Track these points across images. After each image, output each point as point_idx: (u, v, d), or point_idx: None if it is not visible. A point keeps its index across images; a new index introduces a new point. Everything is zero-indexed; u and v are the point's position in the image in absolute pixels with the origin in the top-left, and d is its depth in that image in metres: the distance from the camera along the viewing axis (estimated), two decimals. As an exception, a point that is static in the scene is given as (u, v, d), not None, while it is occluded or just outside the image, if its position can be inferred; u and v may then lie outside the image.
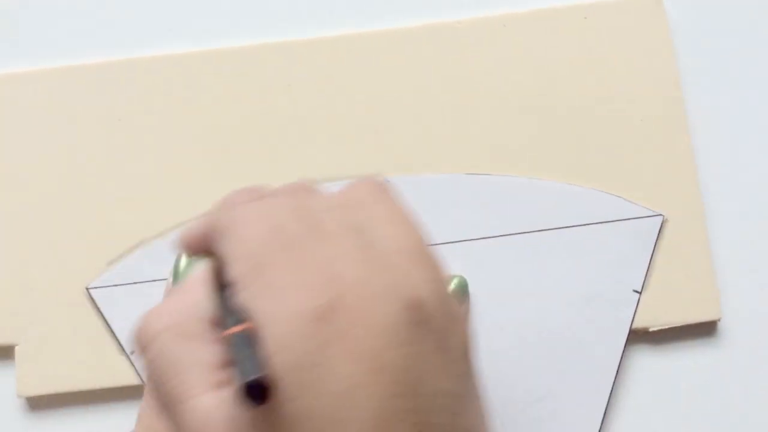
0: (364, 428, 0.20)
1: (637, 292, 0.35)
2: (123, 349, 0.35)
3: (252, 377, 0.19)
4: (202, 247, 0.25)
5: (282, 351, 0.20)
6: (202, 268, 0.25)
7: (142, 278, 0.35)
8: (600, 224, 0.35)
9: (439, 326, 0.22)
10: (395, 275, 0.21)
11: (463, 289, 0.34)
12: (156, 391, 0.23)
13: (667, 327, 0.35)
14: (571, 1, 0.38)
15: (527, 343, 0.34)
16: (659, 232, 0.36)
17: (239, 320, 0.21)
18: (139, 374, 0.35)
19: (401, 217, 0.24)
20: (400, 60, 0.37)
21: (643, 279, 0.35)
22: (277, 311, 0.20)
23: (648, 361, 0.35)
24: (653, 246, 0.35)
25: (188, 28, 0.39)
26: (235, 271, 0.22)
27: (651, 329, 0.35)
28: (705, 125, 0.37)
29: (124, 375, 0.35)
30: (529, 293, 0.35)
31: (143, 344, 0.23)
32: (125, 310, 0.35)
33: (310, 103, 0.37)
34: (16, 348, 0.35)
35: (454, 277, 0.34)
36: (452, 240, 0.35)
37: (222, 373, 0.22)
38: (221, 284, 0.24)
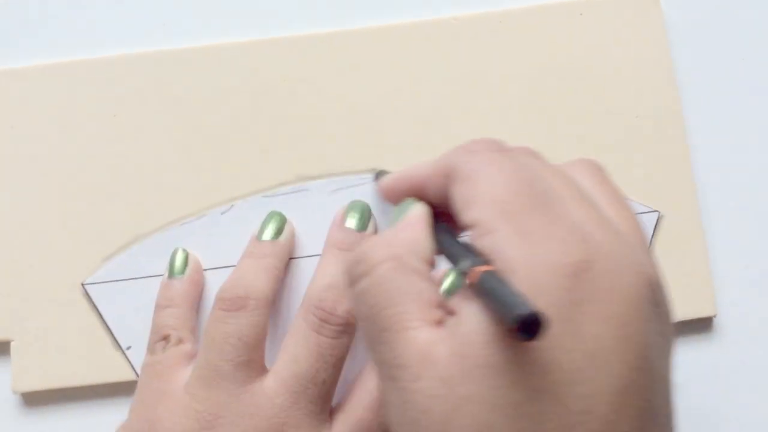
0: (607, 392, 0.20)
1: (632, 288, 0.35)
2: (118, 345, 0.35)
3: (526, 311, 0.18)
4: (418, 190, 0.26)
5: (535, 298, 0.20)
6: (419, 209, 0.26)
7: (137, 274, 0.35)
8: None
9: (664, 313, 0.22)
10: (636, 253, 0.22)
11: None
12: (367, 320, 0.23)
13: (662, 323, 0.35)
14: (567, -2, 0.38)
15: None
16: (655, 228, 0.36)
17: (476, 261, 0.21)
18: (134, 370, 0.35)
19: (623, 201, 0.25)
20: (396, 56, 0.37)
21: (638, 275, 0.35)
22: (532, 259, 0.21)
23: (643, 357, 0.35)
24: (649, 242, 0.35)
25: (182, 24, 0.38)
26: (479, 214, 0.22)
27: (646, 325, 0.35)
28: (701, 122, 0.37)
29: (119, 371, 0.35)
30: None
31: (361, 272, 0.23)
32: (121, 306, 0.35)
33: (305, 99, 0.37)
34: (12, 343, 0.35)
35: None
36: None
37: (439, 312, 0.22)
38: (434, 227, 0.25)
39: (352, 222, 0.34)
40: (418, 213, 0.26)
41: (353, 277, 0.24)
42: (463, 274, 0.22)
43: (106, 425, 0.32)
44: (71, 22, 0.39)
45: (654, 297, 0.22)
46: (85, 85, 0.37)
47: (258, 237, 0.34)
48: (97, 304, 0.35)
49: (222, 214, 0.36)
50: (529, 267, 0.20)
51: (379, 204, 0.35)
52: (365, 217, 0.34)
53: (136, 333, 0.35)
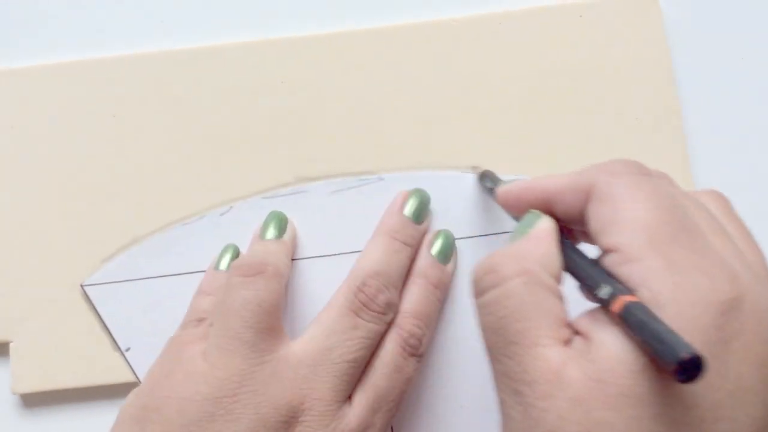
0: (746, 431, 0.20)
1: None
2: (118, 346, 0.35)
3: (689, 354, 0.18)
4: (546, 202, 0.26)
5: (686, 335, 0.20)
6: (548, 223, 0.25)
7: (136, 275, 0.35)
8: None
9: None
10: None
11: (451, 245, 0.34)
12: (493, 331, 0.23)
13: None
14: (567, 0, 0.38)
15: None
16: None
17: (620, 289, 0.21)
18: (134, 371, 0.35)
19: (751, 235, 0.25)
20: (395, 57, 0.37)
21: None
22: (682, 294, 0.20)
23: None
24: None
25: (181, 25, 0.38)
26: (623, 239, 0.22)
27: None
28: (700, 123, 0.37)
29: (118, 372, 0.35)
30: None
31: (491, 283, 0.23)
32: (120, 307, 0.35)
33: (304, 100, 0.37)
34: (11, 345, 0.35)
35: (439, 232, 0.35)
36: (447, 238, 0.35)
37: (568, 331, 0.22)
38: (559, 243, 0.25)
39: (409, 209, 0.34)
40: (547, 227, 0.25)
41: (482, 287, 0.24)
42: (602, 300, 0.22)
43: (106, 426, 0.32)
44: (70, 23, 0.39)
45: None
46: (85, 85, 0.37)
47: (261, 236, 0.34)
48: (96, 305, 0.35)
49: (221, 215, 0.36)
50: (678, 302, 0.20)
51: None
52: (424, 207, 0.34)
53: (136, 334, 0.35)
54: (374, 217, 0.35)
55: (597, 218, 0.23)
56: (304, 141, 0.36)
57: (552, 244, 0.25)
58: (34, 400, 0.36)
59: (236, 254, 0.35)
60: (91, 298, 0.35)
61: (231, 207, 0.36)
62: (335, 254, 0.36)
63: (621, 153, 0.36)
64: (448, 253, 0.34)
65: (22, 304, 0.35)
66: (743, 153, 0.37)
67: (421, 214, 0.34)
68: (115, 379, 0.35)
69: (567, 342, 0.22)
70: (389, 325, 0.31)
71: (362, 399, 0.30)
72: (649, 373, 0.20)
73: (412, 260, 0.34)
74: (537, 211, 0.26)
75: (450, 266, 0.34)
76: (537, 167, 0.36)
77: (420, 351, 0.32)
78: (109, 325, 0.35)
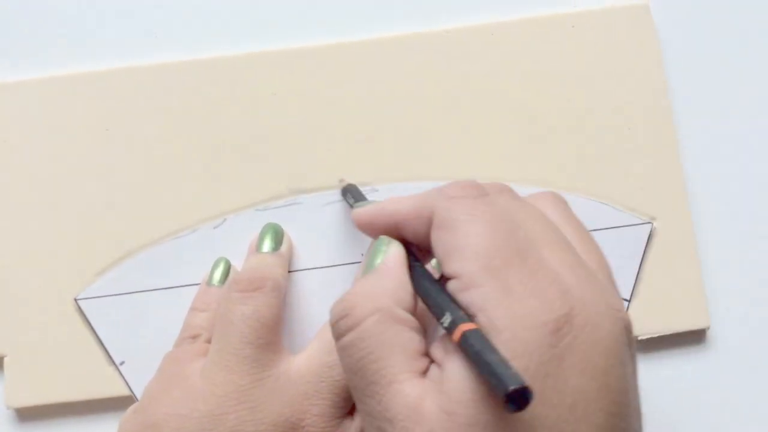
0: None
1: (626, 300, 0.35)
2: (112, 360, 0.35)
3: (515, 386, 0.19)
4: (395, 226, 0.26)
5: (520, 357, 0.20)
6: (398, 252, 0.26)
7: (130, 289, 0.35)
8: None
9: (634, 350, 0.23)
10: (608, 295, 0.23)
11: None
12: (354, 373, 0.23)
13: (655, 335, 0.35)
14: (559, 10, 0.38)
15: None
16: (648, 240, 0.36)
17: (460, 317, 0.22)
18: (128, 385, 0.35)
19: (589, 235, 0.25)
20: (388, 69, 0.37)
21: (631, 287, 0.35)
22: (516, 317, 0.21)
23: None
24: (642, 254, 0.35)
25: (173, 38, 0.38)
26: (462, 267, 0.22)
27: (640, 338, 0.35)
28: (693, 132, 0.37)
29: (113, 386, 0.35)
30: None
31: (347, 326, 0.24)
32: (114, 321, 0.35)
33: (297, 112, 0.37)
34: (5, 359, 0.35)
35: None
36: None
37: (423, 361, 0.23)
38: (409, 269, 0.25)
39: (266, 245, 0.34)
40: (396, 257, 0.26)
41: (338, 332, 0.24)
42: (446, 328, 0.22)
43: (100, 440, 0.32)
44: (63, 37, 0.39)
45: (628, 339, 0.22)
46: (78, 98, 0.37)
47: (258, 249, 0.34)
48: (90, 319, 0.35)
49: (214, 228, 0.36)
50: (513, 326, 0.21)
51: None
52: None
53: (129, 348, 0.35)
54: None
55: (439, 245, 0.24)
56: (298, 153, 0.36)
57: (402, 273, 0.25)
58: (28, 415, 0.36)
59: (227, 268, 0.35)
60: (85, 312, 0.35)
61: (224, 219, 0.36)
62: (330, 266, 0.36)
63: (613, 163, 0.36)
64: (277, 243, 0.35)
65: (16, 319, 0.35)
66: (736, 163, 0.37)
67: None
68: (110, 393, 0.35)
69: (424, 372, 0.22)
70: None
71: None
72: (491, 399, 0.21)
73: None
74: (387, 238, 0.27)
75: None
76: (530, 177, 0.36)
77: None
78: (103, 339, 0.35)
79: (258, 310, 0.30)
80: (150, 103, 0.37)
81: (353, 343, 0.23)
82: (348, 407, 0.30)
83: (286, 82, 0.37)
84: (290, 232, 0.35)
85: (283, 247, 0.34)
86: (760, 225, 0.37)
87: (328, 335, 0.30)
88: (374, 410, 0.22)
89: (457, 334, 0.21)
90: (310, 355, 0.30)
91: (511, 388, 0.19)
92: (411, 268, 0.26)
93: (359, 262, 0.33)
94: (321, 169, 0.36)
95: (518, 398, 0.19)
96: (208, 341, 0.32)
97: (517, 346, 0.21)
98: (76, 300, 0.35)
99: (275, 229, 0.35)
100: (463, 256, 0.23)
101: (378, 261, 0.26)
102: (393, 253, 0.26)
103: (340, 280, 0.35)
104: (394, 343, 0.23)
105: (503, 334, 0.21)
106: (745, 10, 0.39)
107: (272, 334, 0.30)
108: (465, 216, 0.23)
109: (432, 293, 0.24)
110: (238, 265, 0.35)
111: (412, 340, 0.23)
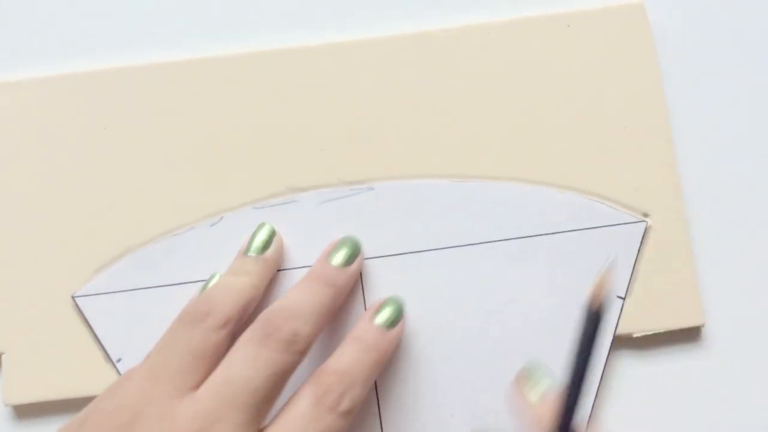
0: None
1: (620, 298, 0.35)
2: (109, 358, 0.35)
3: None
4: None
5: None
6: None
7: (128, 286, 0.36)
8: (583, 230, 0.36)
9: None
10: None
11: (398, 314, 0.34)
12: None
13: (650, 333, 0.35)
14: (555, 9, 0.38)
15: (509, 350, 0.35)
16: (642, 238, 0.36)
17: None
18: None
19: None
20: (385, 68, 0.37)
21: (626, 285, 0.35)
22: None
23: (632, 367, 0.36)
24: (636, 252, 0.36)
25: (171, 37, 0.39)
26: None
27: (635, 335, 0.35)
28: (688, 132, 0.38)
29: (110, 383, 0.35)
30: (512, 300, 0.35)
31: None
32: (111, 318, 0.35)
33: (294, 111, 0.37)
34: (3, 356, 0.35)
35: (388, 300, 0.34)
36: (437, 246, 0.36)
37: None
38: None
39: (336, 259, 0.34)
40: None
41: None
42: None
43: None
44: (59, 36, 0.39)
45: None
46: (75, 97, 0.37)
47: (244, 251, 0.34)
48: (87, 316, 0.35)
49: (211, 226, 0.36)
50: None
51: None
52: (351, 255, 0.34)
53: (127, 345, 0.35)
54: (365, 226, 0.35)
55: None
56: (295, 151, 0.37)
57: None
58: (26, 412, 0.36)
59: (271, 235, 0.35)
60: (83, 309, 0.35)
61: (221, 217, 0.36)
62: (326, 264, 0.36)
63: (609, 161, 0.36)
64: (393, 321, 0.33)
65: (13, 316, 0.35)
66: (731, 162, 0.38)
67: (348, 260, 0.34)
68: (107, 390, 0.35)
69: None
70: (303, 356, 0.31)
71: None
72: None
73: (342, 306, 0.34)
74: None
75: (394, 331, 0.33)
76: (526, 176, 0.36)
77: (341, 408, 0.30)
78: (100, 336, 0.35)
79: (191, 340, 0.30)
80: (146, 101, 0.37)
81: None
82: (256, 426, 0.29)
83: (284, 81, 0.37)
84: (287, 230, 0.36)
85: (270, 252, 0.34)
86: (754, 223, 0.37)
87: (230, 356, 0.30)
88: None
89: None
90: (214, 375, 0.30)
91: None
92: None
93: (356, 260, 0.34)
94: (318, 168, 0.36)
95: None
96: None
97: None
98: (73, 297, 0.36)
99: (265, 231, 0.35)
100: None
101: None
102: None
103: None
104: None
105: None
106: (740, 9, 0.39)
107: (199, 363, 0.30)
108: None
109: None
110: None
111: None
